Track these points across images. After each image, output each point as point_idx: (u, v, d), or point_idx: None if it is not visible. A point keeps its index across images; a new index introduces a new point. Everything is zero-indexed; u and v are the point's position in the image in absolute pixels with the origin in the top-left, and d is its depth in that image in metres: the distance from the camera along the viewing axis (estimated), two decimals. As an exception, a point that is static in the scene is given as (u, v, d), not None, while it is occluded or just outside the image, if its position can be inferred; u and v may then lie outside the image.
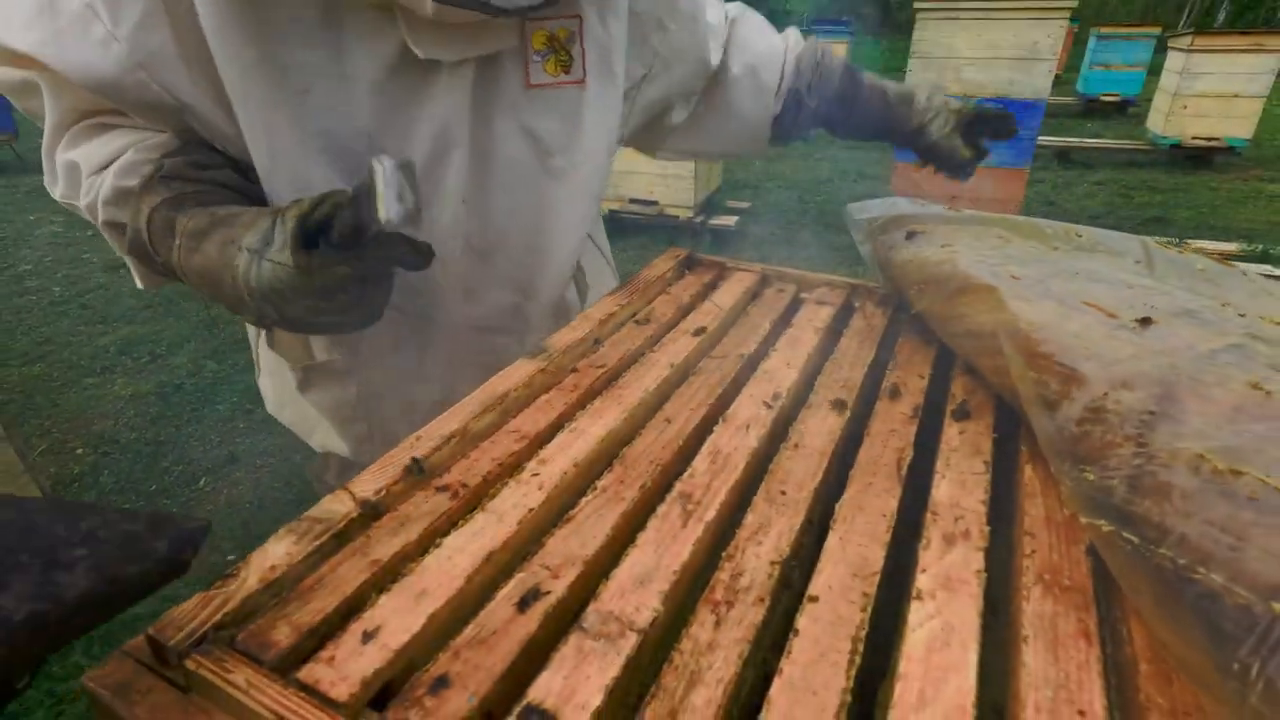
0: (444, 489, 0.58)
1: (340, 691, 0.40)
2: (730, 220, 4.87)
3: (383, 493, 0.56)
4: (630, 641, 0.45)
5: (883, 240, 0.95)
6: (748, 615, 0.47)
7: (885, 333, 0.89)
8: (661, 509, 0.57)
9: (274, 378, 1.08)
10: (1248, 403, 0.51)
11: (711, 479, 0.60)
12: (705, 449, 0.65)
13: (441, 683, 0.41)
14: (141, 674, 0.42)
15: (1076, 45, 11.94)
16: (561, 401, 0.71)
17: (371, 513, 0.55)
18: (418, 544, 0.52)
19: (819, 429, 0.68)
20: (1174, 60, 6.42)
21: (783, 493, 0.59)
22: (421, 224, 0.60)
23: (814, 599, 0.48)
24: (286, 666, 0.42)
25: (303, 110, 0.74)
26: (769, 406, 0.71)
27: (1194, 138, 6.51)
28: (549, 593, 0.48)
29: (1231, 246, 4.52)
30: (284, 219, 0.63)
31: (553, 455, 0.63)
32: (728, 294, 0.98)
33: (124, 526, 0.43)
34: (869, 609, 0.47)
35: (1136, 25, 9.72)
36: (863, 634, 0.46)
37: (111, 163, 0.75)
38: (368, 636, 0.44)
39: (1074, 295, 0.70)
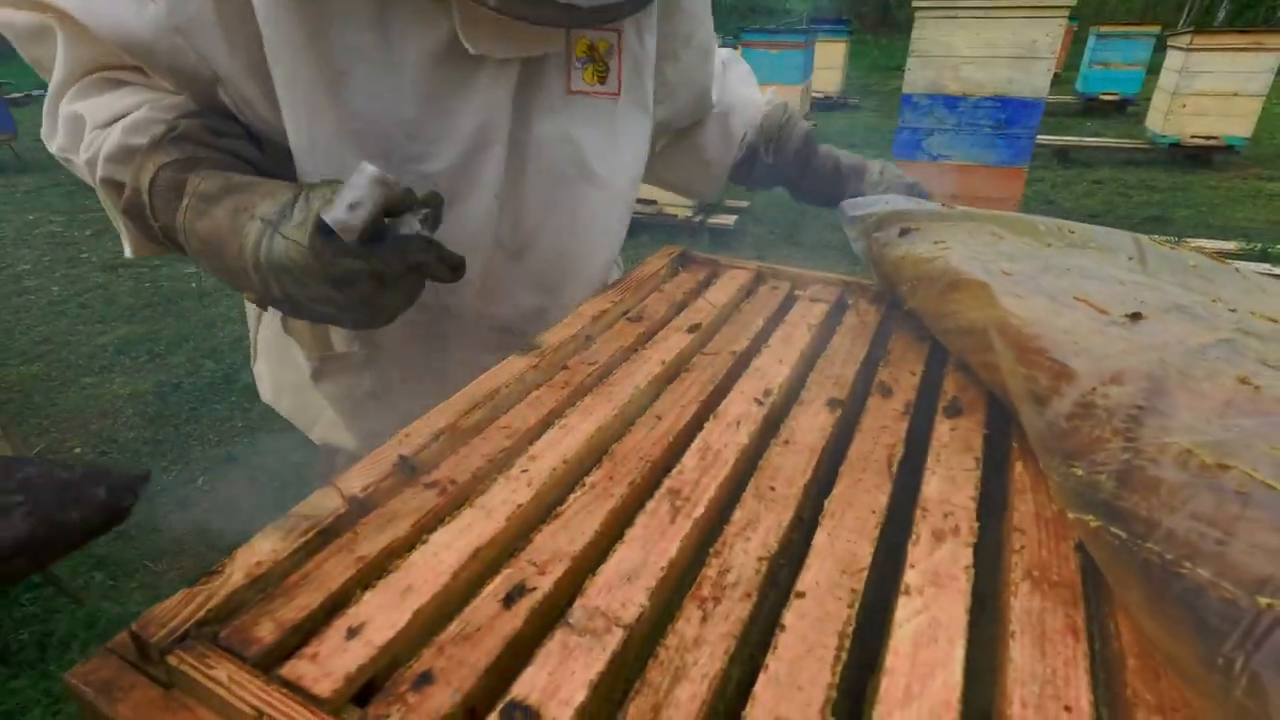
0: (432, 485, 0.58)
1: (323, 688, 0.40)
2: (729, 219, 4.87)
3: (371, 489, 0.56)
4: (616, 637, 0.44)
5: (876, 237, 0.94)
6: (734, 611, 0.47)
7: (878, 329, 0.89)
8: (650, 505, 0.57)
9: (273, 365, 1.07)
10: (1237, 397, 0.50)
11: (701, 475, 0.60)
12: (695, 445, 0.64)
13: (425, 679, 0.41)
14: (125, 671, 0.42)
15: (1076, 44, 11.96)
16: (552, 398, 0.71)
17: (359, 509, 0.55)
18: (405, 540, 0.52)
19: (810, 425, 0.68)
20: (1173, 59, 6.43)
21: (772, 489, 0.59)
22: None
23: (801, 595, 0.48)
24: (269, 663, 0.42)
25: (346, 93, 0.73)
26: (760, 403, 0.71)
27: (1193, 136, 6.51)
28: (535, 589, 0.48)
29: (1230, 245, 4.52)
30: (309, 196, 0.61)
31: (542, 451, 0.63)
32: (721, 291, 0.98)
33: (61, 475, 0.44)
34: (856, 605, 0.47)
35: (1136, 24, 9.73)
36: (850, 630, 0.45)
37: (120, 119, 0.73)
38: (352, 633, 0.44)
39: (1065, 291, 0.70)
